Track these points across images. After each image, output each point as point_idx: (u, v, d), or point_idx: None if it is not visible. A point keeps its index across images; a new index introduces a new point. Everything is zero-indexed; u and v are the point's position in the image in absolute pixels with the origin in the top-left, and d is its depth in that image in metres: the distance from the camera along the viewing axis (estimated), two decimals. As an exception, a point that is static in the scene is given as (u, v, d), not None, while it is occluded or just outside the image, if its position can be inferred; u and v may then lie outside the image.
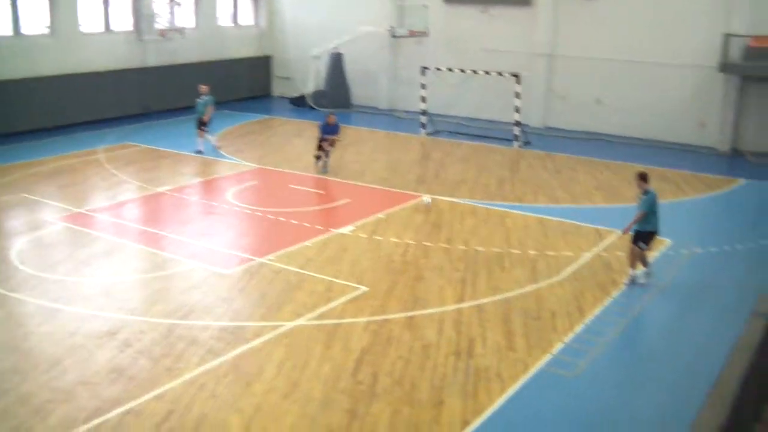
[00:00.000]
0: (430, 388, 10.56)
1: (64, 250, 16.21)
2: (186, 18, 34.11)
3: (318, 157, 22.76)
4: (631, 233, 14.29)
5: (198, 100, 25.02)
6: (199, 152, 24.86)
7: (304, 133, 28.90)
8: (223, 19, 36.65)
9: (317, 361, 11.28)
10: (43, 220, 18.10)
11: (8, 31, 27.93)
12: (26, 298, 13.59)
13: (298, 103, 34.82)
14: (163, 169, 23.13)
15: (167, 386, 10.58)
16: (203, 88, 25.20)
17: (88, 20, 30.49)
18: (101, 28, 31.16)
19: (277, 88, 38.08)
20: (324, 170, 22.58)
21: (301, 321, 12.58)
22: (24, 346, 11.87)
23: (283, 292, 13.75)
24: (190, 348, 11.66)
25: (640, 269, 14.32)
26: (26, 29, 28.46)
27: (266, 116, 32.83)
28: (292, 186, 21.16)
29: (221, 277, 14.60)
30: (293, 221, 17.80)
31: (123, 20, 31.91)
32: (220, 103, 34.21)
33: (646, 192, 14.07)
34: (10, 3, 27.81)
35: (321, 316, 12.77)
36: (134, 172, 22.52)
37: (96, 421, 9.74)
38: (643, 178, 14.15)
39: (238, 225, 17.90)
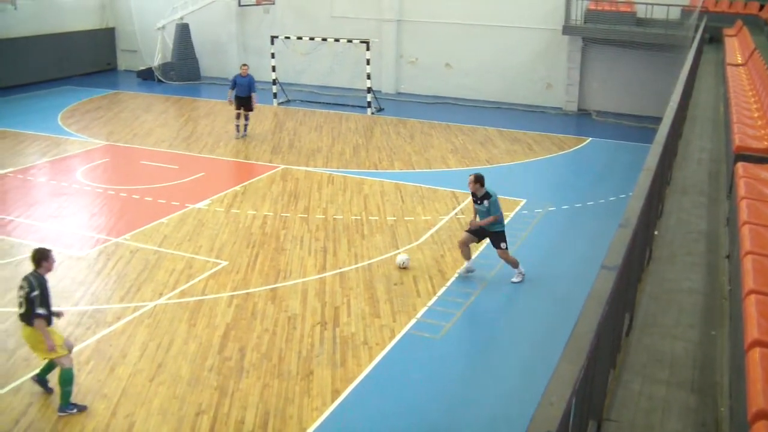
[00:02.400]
0: (299, 360, 10.61)
1: None
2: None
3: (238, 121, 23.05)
4: (483, 229, 13.39)
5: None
6: None
7: (154, 107, 28.18)
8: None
9: (182, 340, 11.12)
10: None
11: None
12: None
13: (146, 76, 33.80)
14: (5, 149, 21.95)
15: (24, 378, 10.17)
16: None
17: None
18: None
19: (123, 62, 36.81)
20: (243, 135, 22.96)
21: (162, 300, 12.35)
22: None
23: (142, 271, 13.43)
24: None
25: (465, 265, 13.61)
26: None
27: (113, 91, 31.68)
28: (144, 162, 20.60)
29: (76, 260, 14.10)
30: (147, 198, 17.37)
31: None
32: (64, 79, 32.91)
33: (488, 194, 12.95)
34: None
35: (183, 294, 12.57)
36: (-29, 154, 21.34)
37: (-51, 419, 9.30)
38: (479, 181, 12.94)
39: (90, 205, 17.28)
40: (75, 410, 9.55)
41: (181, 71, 33.18)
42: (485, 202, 12.92)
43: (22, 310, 9.41)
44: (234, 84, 22.62)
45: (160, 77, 33.14)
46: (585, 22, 26.87)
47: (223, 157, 20.99)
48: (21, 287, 9.47)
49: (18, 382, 10.07)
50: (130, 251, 14.36)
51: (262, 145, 22.36)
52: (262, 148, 21.92)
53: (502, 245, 13.20)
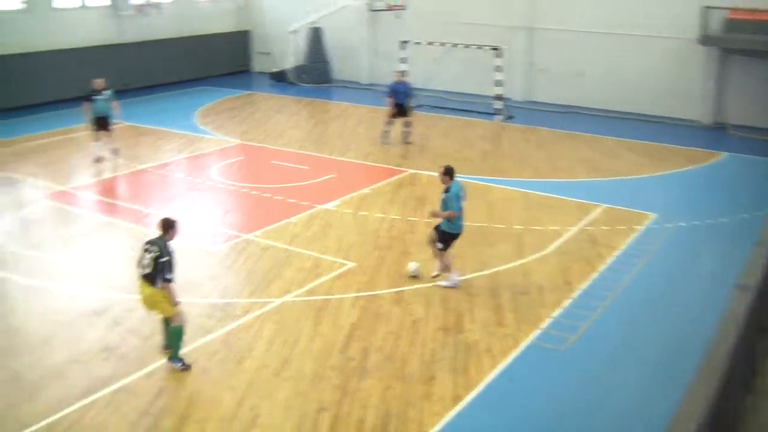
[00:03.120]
0: (421, 364, 10.65)
1: (50, 229, 16.18)
2: (162, -7, 33.76)
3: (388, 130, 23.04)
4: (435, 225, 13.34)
5: (97, 96, 20.68)
6: (100, 159, 21.00)
7: (286, 108, 28.86)
8: (201, -7, 36.35)
9: (307, 338, 11.34)
10: (28, 199, 18.03)
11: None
12: (13, 277, 13.55)
13: (279, 78, 34.65)
14: (145, 146, 23.01)
15: (158, 364, 10.61)
16: (99, 82, 20.85)
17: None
18: (77, 4, 30.78)
19: (257, 64, 37.85)
20: (407, 142, 22.91)
21: (289, 297, 12.63)
22: (14, 324, 11.87)
23: (271, 268, 13.78)
24: (177, 327, 11.67)
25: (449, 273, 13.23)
26: (1, 5, 28.06)
27: (247, 92, 32.67)
28: (276, 162, 21.12)
29: (208, 254, 14.60)
30: (278, 197, 17.80)
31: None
32: (201, 79, 34.18)
33: (447, 189, 12.82)
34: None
35: (310, 292, 12.82)
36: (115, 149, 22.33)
37: (89, 399, 9.77)
38: (448, 173, 12.92)
39: (224, 202, 17.87)
40: (180, 365, 10.42)
41: (313, 74, 33.86)
42: (443, 195, 12.84)
43: (148, 271, 10.21)
44: (392, 91, 22.77)
45: (292, 79, 33.92)
46: (724, 32, 25.89)
47: (352, 160, 21.28)
48: (147, 249, 10.31)
49: (152, 367, 10.50)
50: (260, 248, 14.76)
51: (391, 149, 22.54)
52: (391, 152, 22.10)
53: (439, 245, 13.00)
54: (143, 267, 10.29)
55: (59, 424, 9.26)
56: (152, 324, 11.46)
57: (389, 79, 26.91)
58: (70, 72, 29.15)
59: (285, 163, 20.92)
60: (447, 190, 12.85)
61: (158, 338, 11.06)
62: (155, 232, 10.63)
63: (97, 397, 9.82)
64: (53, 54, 29.31)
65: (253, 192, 18.27)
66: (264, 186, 18.66)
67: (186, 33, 34.56)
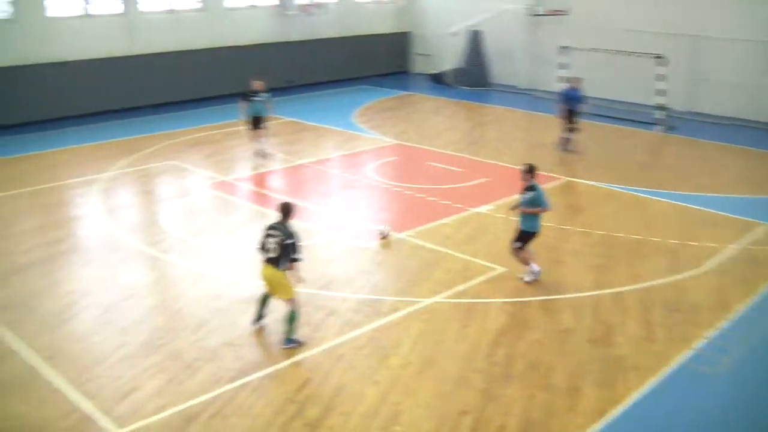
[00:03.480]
0: (566, 375, 10.49)
1: (211, 217, 16.94)
2: (328, -7, 34.66)
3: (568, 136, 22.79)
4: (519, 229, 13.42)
5: (254, 97, 21.38)
6: (261, 153, 21.62)
7: (443, 110, 29.02)
8: (364, -6, 37.07)
9: (453, 339, 11.39)
10: (191, 187, 18.95)
11: (163, 6, 29.22)
12: (176, 261, 14.31)
13: (437, 80, 34.89)
14: (305, 142, 23.73)
15: (306, 354, 10.93)
16: (257, 84, 21.51)
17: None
18: (246, 3, 32.08)
19: (417, 65, 38.23)
20: (568, 148, 22.64)
21: (438, 298, 12.72)
22: (175, 306, 12.52)
23: (421, 268, 13.91)
24: (329, 318, 11.98)
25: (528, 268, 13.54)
26: (178, 5, 29.71)
27: (405, 92, 33.06)
28: (431, 163, 21.28)
29: (361, 250, 14.90)
30: (431, 198, 17.93)
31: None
32: (361, 78, 34.88)
33: (533, 187, 13.14)
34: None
35: (458, 295, 12.86)
36: (277, 144, 23.15)
37: (239, 382, 10.20)
38: (530, 171, 13.25)
39: (378, 199, 18.18)
40: (296, 345, 11.11)
41: (472, 77, 33.87)
42: (527, 194, 13.11)
43: (273, 255, 10.92)
44: (565, 98, 22.51)
45: (450, 82, 34.05)
46: None
47: (507, 164, 21.15)
48: (271, 234, 11.02)
49: (300, 357, 10.83)
50: (411, 247, 14.93)
51: (547, 155, 22.26)
52: (547, 159, 21.80)
53: (517, 244, 13.32)
54: (267, 251, 10.97)
55: (212, 403, 9.70)
56: (305, 315, 11.81)
57: (547, 84, 26.65)
58: (240, 68, 30.46)
59: (440, 165, 21.05)
60: (532, 188, 13.09)
61: (308, 328, 11.44)
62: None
63: (247, 381, 10.23)
64: (225, 50, 30.71)
65: (407, 192, 18.48)
66: (418, 186, 18.84)
67: (348, 33, 35.38)
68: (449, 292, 12.92)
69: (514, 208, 13.51)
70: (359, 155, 22.26)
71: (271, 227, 11.12)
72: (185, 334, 11.51)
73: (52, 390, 10.04)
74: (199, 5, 30.48)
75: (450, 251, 14.72)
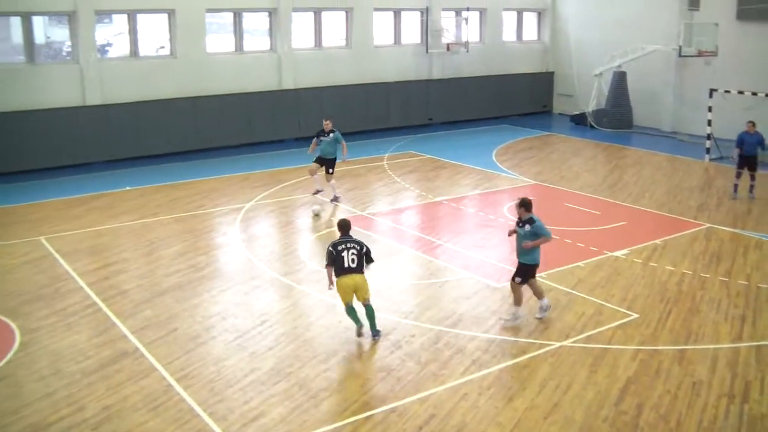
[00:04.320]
0: (698, 429, 10.03)
1: (345, 250, 17.20)
2: (471, 33, 34.89)
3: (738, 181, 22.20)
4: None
5: (323, 137, 20.99)
6: (335, 197, 21.13)
7: (583, 152, 28.61)
8: (508, 34, 37.09)
9: (581, 385, 11.11)
10: (329, 220, 19.34)
11: (312, 45, 30.34)
12: (310, 291, 14.62)
13: (579, 121, 34.44)
14: (443, 179, 23.86)
15: (431, 391, 10.91)
16: (326, 123, 21.06)
17: (380, 34, 32.30)
18: (391, 41, 32.81)
19: (558, 105, 37.90)
20: (750, 196, 21.89)
21: (567, 342, 12.45)
22: (305, 335, 12.76)
23: (552, 311, 13.66)
24: (456, 356, 11.94)
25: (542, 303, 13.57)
26: (326, 43, 30.77)
27: (546, 133, 32.79)
28: (568, 204, 20.95)
29: (492, 290, 14.79)
30: (567, 240, 17.64)
31: (412, 34, 33.38)
32: (502, 117, 34.88)
33: (531, 219, 13.14)
34: (314, 21, 30.45)
35: (588, 339, 12.56)
36: (415, 180, 23.41)
37: (363, 415, 10.27)
38: (524, 205, 13.23)
39: (513, 240, 17.94)
40: (379, 335, 12.62)
41: (614, 118, 33.24)
42: (525, 228, 13.11)
43: (355, 265, 12.41)
44: (741, 142, 21.74)
45: (592, 123, 33.54)
46: None
47: (646, 208, 20.59)
48: (349, 248, 12.48)
49: (426, 393, 10.81)
50: (543, 289, 14.68)
51: (687, 200, 21.54)
52: (687, 204, 21.11)
53: (518, 279, 13.17)
54: (350, 264, 12.37)
55: (335, 435, 9.84)
56: (433, 352, 11.86)
57: (692, 127, 25.82)
58: (386, 103, 31.26)
59: (577, 206, 20.70)
60: (531, 221, 13.07)
61: (434, 365, 11.45)
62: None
63: (371, 414, 10.29)
64: (369, 87, 31.49)
65: (542, 233, 18.23)
66: (554, 228, 18.40)
67: (491, 72, 35.52)
68: (580, 337, 12.64)
69: (511, 234, 13.62)
70: (496, 194, 22.18)
71: (342, 242, 12.54)
72: (313, 364, 11.71)
73: (185, 409, 10.42)
74: (344, 42, 31.46)
75: (582, 294, 14.41)
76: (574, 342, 12.46)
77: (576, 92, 36.09)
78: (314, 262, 16.23)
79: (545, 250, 16.35)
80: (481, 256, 16.63)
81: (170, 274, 15.65)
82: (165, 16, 27.61)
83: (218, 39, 29.19)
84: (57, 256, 16.80)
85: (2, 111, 24.55)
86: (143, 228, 18.88)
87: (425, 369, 11.53)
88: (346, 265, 12.33)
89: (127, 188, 22.88)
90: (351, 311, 12.62)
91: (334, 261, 12.35)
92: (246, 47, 29.55)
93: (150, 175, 24.68)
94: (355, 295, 12.48)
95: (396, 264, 16.25)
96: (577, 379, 11.26)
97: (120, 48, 27.80)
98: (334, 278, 12.47)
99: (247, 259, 16.59)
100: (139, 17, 27.25)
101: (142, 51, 27.53)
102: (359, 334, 12.70)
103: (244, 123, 28.89)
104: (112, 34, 28.43)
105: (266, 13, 29.80)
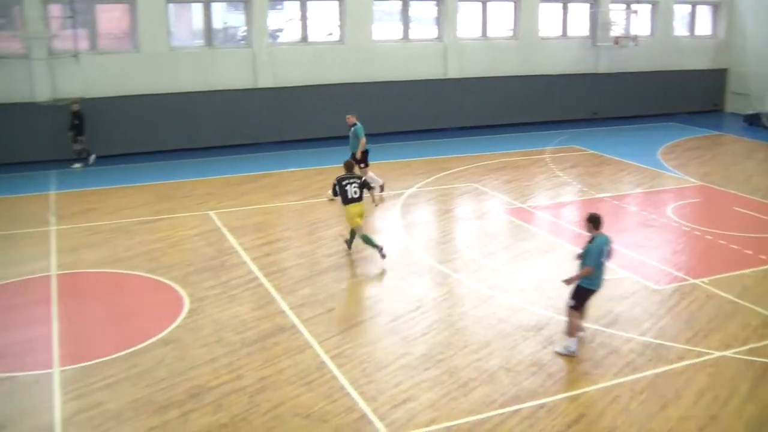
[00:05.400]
0: None
1: (503, 241, 17.21)
2: (641, 26, 33.83)
3: None
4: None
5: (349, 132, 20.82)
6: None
7: (756, 154, 27.31)
8: (680, 28, 35.72)
9: (741, 399, 10.66)
10: (488, 210, 19.39)
11: (478, 35, 30.42)
12: (466, 281, 14.72)
13: (753, 121, 32.79)
14: (605, 176, 23.38)
15: (582, 390, 10.79)
16: (349, 117, 20.75)
17: (547, 26, 31.89)
18: (558, 33, 32.31)
19: (731, 104, 36.16)
20: None
21: (729, 353, 11.97)
22: (458, 324, 12.87)
23: (714, 318, 13.18)
24: (610, 357, 11.73)
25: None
26: (491, 33, 30.76)
27: (715, 132, 31.45)
28: (737, 209, 20.06)
29: (651, 292, 14.41)
30: (733, 246, 16.91)
31: (579, 27, 32.73)
32: (669, 115, 33.71)
33: (592, 239, 11.79)
34: (481, 11, 30.47)
35: (752, 352, 12.02)
36: (577, 175, 23.06)
37: (511, 408, 10.27)
38: (592, 221, 11.92)
39: (674, 241, 17.46)
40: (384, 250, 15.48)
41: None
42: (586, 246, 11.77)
43: (357, 195, 15.47)
44: None
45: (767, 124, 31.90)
46: None
47: (823, 218, 19.49)
48: (352, 182, 15.52)
49: (577, 392, 10.71)
50: (705, 295, 14.19)
51: None
52: None
53: (571, 302, 11.73)
54: (354, 195, 15.42)
55: (481, 425, 9.88)
56: (586, 350, 11.73)
57: None
58: (549, 96, 30.95)
59: (747, 211, 19.77)
60: (591, 241, 11.71)
61: (587, 364, 11.31)
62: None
63: (520, 408, 10.28)
64: (534, 78, 31.22)
65: (708, 236, 17.58)
66: (720, 232, 17.85)
67: (660, 67, 34.32)
68: (742, 348, 12.11)
69: (568, 281, 12.00)
70: (659, 194, 21.52)
71: (346, 177, 15.60)
72: (465, 353, 11.81)
73: (336, 387, 10.76)
74: (510, 33, 31.26)
75: (748, 304, 13.78)
76: (735, 353, 11.96)
77: (751, 91, 34.32)
78: (472, 251, 16.32)
79: (708, 254, 15.78)
80: (641, 256, 16.21)
81: (330, 255, 16.14)
82: (335, 3, 28.30)
83: (385, 27, 29.65)
84: (224, 230, 17.67)
85: (183, 91, 25.96)
86: (306, 208, 19.55)
87: (577, 367, 11.41)
88: (350, 196, 15.46)
89: (292, 169, 23.71)
90: (368, 239, 15.55)
91: (342, 194, 15.51)
92: (412, 35, 29.86)
93: (314, 157, 25.46)
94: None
95: (553, 259, 16.08)
96: (737, 393, 10.83)
97: (291, 33, 28.72)
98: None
99: (405, 245, 16.86)
100: (309, 4, 28.08)
101: (312, 37, 28.34)
102: (383, 255, 15.45)
103: (407, 110, 29.28)
104: (283, 20, 29.42)
105: (434, 2, 29.99)
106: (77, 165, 24.37)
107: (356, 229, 15.78)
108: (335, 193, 16.18)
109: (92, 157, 24.61)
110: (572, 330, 11.84)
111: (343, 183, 15.54)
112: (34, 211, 19.35)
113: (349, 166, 16.06)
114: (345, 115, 20.88)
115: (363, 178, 15.96)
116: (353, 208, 15.49)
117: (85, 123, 24.39)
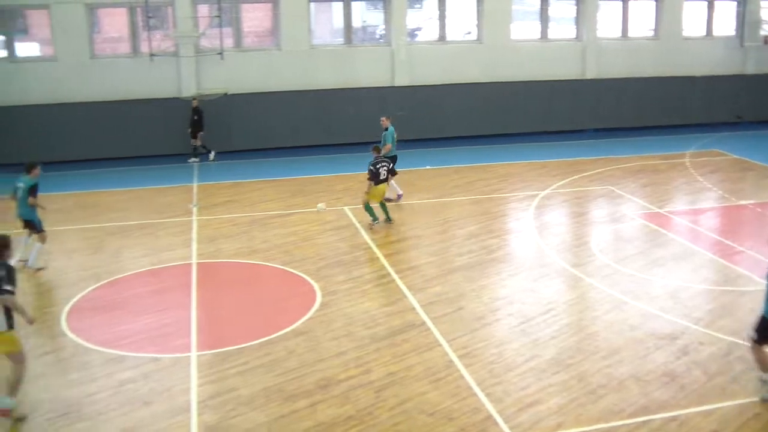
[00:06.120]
0: None
1: (638, 246, 16.77)
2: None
3: None
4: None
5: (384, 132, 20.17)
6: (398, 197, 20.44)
7: None
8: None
9: None
10: (624, 214, 18.94)
11: (618, 35, 29.64)
12: (598, 285, 14.44)
13: None
14: (749, 182, 22.44)
15: (717, 405, 10.35)
16: (383, 120, 20.24)
17: (691, 25, 30.85)
18: (702, 33, 31.20)
19: None
20: None
21: None
22: (589, 329, 12.64)
23: None
24: (748, 373, 11.18)
25: None
26: (632, 33, 30.29)
27: None
28: None
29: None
30: None
31: (725, 26, 31.47)
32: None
33: None
34: (621, 10, 29.80)
35: None
36: (718, 180, 22.22)
37: (640, 419, 9.97)
38: None
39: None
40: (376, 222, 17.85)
41: None
42: None
43: (384, 177, 17.81)
44: None
45: None
46: None
47: None
48: (383, 165, 17.83)
49: (711, 407, 10.26)
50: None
51: None
52: None
53: (753, 335, 10.25)
54: (383, 176, 17.73)
55: (609, 434, 9.70)
56: (723, 363, 11.31)
57: None
58: (690, 98, 30.04)
59: None
60: None
61: (723, 378, 10.91)
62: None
63: (650, 420, 9.97)
64: (674, 80, 30.21)
65: None
66: None
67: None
68: None
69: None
70: (809, 203, 20.48)
71: (379, 163, 17.74)
72: (595, 359, 11.59)
73: (463, 386, 10.76)
74: (651, 33, 30.41)
75: None
76: None
77: None
78: (606, 255, 15.99)
79: None
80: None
81: (462, 254, 16.17)
82: (473, 2, 28.27)
83: (523, 26, 29.40)
84: (359, 226, 18.00)
85: (321, 88, 26.56)
86: (439, 206, 19.67)
87: (712, 380, 10.99)
88: (381, 177, 17.75)
89: (427, 167, 23.86)
90: (370, 209, 17.80)
91: (375, 175, 17.59)
92: (550, 35, 29.49)
93: (449, 155, 25.55)
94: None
95: (689, 266, 15.54)
96: None
97: (429, 32, 28.88)
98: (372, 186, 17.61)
99: (538, 247, 16.70)
100: (448, 3, 28.16)
101: (449, 36, 28.41)
102: (371, 227, 17.75)
103: (543, 111, 28.96)
104: (422, 19, 29.61)
105: (573, 1, 29.51)
106: (194, 159, 25.33)
107: (371, 204, 17.91)
108: (372, 176, 17.73)
109: (212, 154, 25.51)
110: (764, 363, 10.46)
111: (377, 166, 17.75)
112: (178, 202, 20.28)
113: (377, 150, 18.22)
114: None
115: (391, 164, 18.36)
116: (382, 187, 17.88)
117: (204, 119, 25.39)
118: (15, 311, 9.85)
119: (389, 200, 19.40)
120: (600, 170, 23.18)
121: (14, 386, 10.01)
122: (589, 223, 18.80)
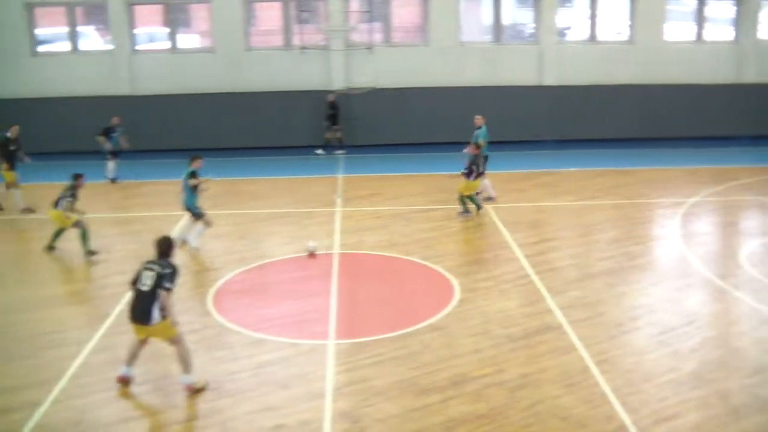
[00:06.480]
0: None
1: (789, 259, 16.04)
2: None
3: None
4: None
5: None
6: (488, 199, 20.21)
7: None
8: None
9: None
10: (775, 226, 18.17)
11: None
12: (746, 299, 13.88)
13: None
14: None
15: None
16: (478, 119, 20.28)
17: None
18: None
19: None
20: None
21: None
22: (734, 344, 12.17)
23: None
24: None
25: None
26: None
27: None
28: None
29: None
30: None
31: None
32: None
33: None
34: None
35: None
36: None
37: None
38: None
39: None
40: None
41: None
42: None
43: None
44: None
45: None
46: None
47: None
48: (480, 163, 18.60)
49: None
50: None
51: None
52: None
53: None
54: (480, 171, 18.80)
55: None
56: None
57: None
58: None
59: None
60: None
61: None
62: None
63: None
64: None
65: None
66: None
67: None
68: None
69: None
70: None
71: (474, 165, 18.47)
72: (738, 376, 11.15)
73: (598, 393, 10.58)
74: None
75: None
76: None
77: None
78: (756, 268, 15.32)
79: None
80: None
81: (603, 259, 15.90)
82: (626, 1, 27.66)
83: (678, 27, 28.48)
84: (500, 225, 17.98)
85: (468, 85, 26.67)
86: (582, 209, 19.39)
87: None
88: (481, 170, 18.70)
89: (572, 169, 23.54)
90: (472, 199, 18.68)
91: (477, 169, 18.45)
92: (706, 36, 28.42)
93: (594, 158, 25.11)
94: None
95: None
96: None
97: (579, 31, 28.41)
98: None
99: (683, 256, 16.21)
100: (600, 2, 27.64)
101: (600, 35, 27.87)
102: (468, 211, 18.58)
103: (696, 116, 27.92)
104: (572, 18, 29.15)
105: (732, 1, 28.30)
106: (320, 151, 25.90)
107: (464, 194, 18.69)
108: (470, 172, 18.40)
109: (341, 151, 25.95)
110: None
111: (478, 162, 18.57)
112: (324, 193, 20.83)
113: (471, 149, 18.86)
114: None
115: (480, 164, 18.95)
116: (477, 181, 18.81)
117: (340, 114, 25.93)
118: (164, 307, 10.41)
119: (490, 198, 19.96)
120: (755, 179, 22.18)
121: (186, 363, 10.63)
122: (740, 234, 18.06)
